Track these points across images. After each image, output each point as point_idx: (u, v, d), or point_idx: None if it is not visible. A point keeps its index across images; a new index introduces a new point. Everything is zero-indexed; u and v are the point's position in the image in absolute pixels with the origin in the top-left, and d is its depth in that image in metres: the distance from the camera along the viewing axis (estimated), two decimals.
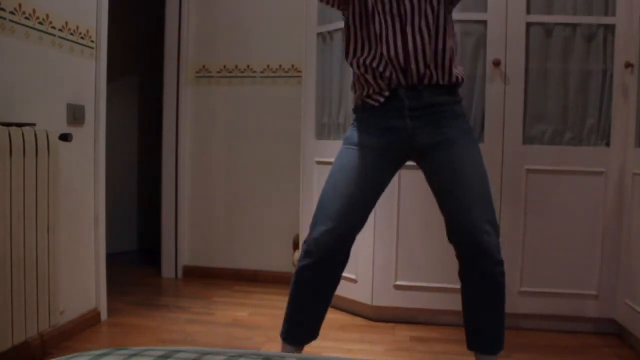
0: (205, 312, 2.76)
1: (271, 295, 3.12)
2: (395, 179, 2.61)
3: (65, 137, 2.09)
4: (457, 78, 1.80)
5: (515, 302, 2.56)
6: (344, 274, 2.75)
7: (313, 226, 1.78)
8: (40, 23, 2.08)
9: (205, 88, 3.50)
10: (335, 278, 1.82)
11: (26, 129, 1.85)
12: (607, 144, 2.51)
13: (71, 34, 2.28)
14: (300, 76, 3.30)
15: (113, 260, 3.71)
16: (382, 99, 1.78)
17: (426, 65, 1.74)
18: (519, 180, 2.54)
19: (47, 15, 2.12)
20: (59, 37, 2.20)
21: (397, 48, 1.74)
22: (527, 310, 2.56)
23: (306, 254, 1.77)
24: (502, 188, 2.55)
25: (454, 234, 1.78)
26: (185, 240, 3.54)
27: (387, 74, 1.75)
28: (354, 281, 2.73)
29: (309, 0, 2.93)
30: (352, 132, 1.85)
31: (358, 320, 2.70)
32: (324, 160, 2.88)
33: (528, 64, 2.53)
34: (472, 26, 2.56)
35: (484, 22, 2.54)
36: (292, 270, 3.25)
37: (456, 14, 2.55)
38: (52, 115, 2.19)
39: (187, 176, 3.53)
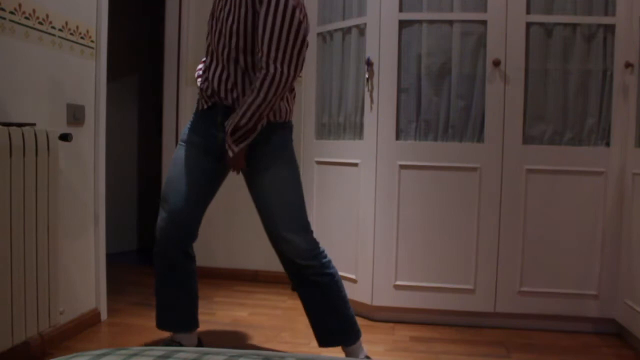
0: (206, 312, 2.76)
1: (271, 295, 3.12)
2: (396, 179, 2.61)
3: (65, 137, 2.09)
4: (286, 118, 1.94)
5: (515, 302, 2.56)
6: (344, 273, 2.76)
7: (159, 215, 1.99)
8: (40, 23, 2.08)
9: None
10: (182, 265, 2.00)
11: (26, 129, 1.85)
12: (607, 144, 2.51)
13: (71, 34, 2.27)
14: (300, 76, 3.30)
15: (113, 260, 3.71)
16: (205, 106, 1.97)
17: (233, 98, 1.90)
18: (519, 180, 2.54)
19: (47, 15, 2.12)
20: (59, 37, 2.20)
21: (214, 76, 1.91)
22: (527, 310, 2.56)
23: (155, 240, 2.00)
24: (502, 188, 2.55)
25: (269, 240, 1.97)
26: None
27: (209, 92, 1.94)
28: (354, 281, 2.73)
29: (308, 0, 2.93)
30: (186, 129, 2.04)
31: (358, 320, 2.70)
32: (324, 160, 2.88)
33: (528, 64, 2.53)
34: (472, 26, 2.56)
35: (484, 22, 2.54)
36: None
37: (456, 14, 2.57)
38: (52, 115, 2.19)
39: None
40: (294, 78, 1.78)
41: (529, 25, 2.52)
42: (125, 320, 2.62)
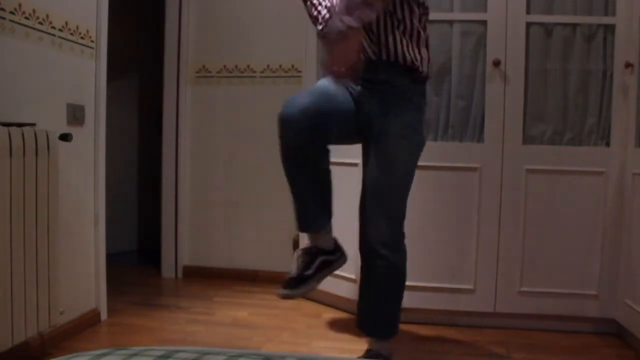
0: (205, 312, 2.76)
1: (271, 295, 3.12)
2: None
3: (65, 137, 2.09)
4: (411, 61, 1.86)
5: (515, 302, 2.56)
6: (344, 274, 2.76)
7: (287, 105, 1.82)
8: (40, 23, 2.08)
9: (205, 88, 3.50)
10: (318, 159, 1.87)
11: (26, 129, 1.85)
12: (607, 144, 2.51)
13: (71, 34, 2.27)
14: (300, 76, 3.30)
15: (113, 260, 3.71)
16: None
17: (381, 44, 1.84)
18: (519, 180, 2.54)
19: (47, 16, 2.12)
20: (59, 37, 2.20)
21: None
22: (527, 310, 2.56)
23: (281, 139, 1.84)
24: (502, 188, 2.55)
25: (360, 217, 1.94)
26: (185, 240, 3.53)
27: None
28: (354, 281, 2.73)
29: None
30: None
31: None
32: None
33: (528, 64, 2.53)
34: (472, 26, 2.56)
35: (484, 22, 2.54)
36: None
37: (456, 14, 2.57)
38: (52, 115, 2.19)
39: (187, 176, 3.53)
40: None
41: (529, 25, 2.52)
42: (125, 320, 2.62)
